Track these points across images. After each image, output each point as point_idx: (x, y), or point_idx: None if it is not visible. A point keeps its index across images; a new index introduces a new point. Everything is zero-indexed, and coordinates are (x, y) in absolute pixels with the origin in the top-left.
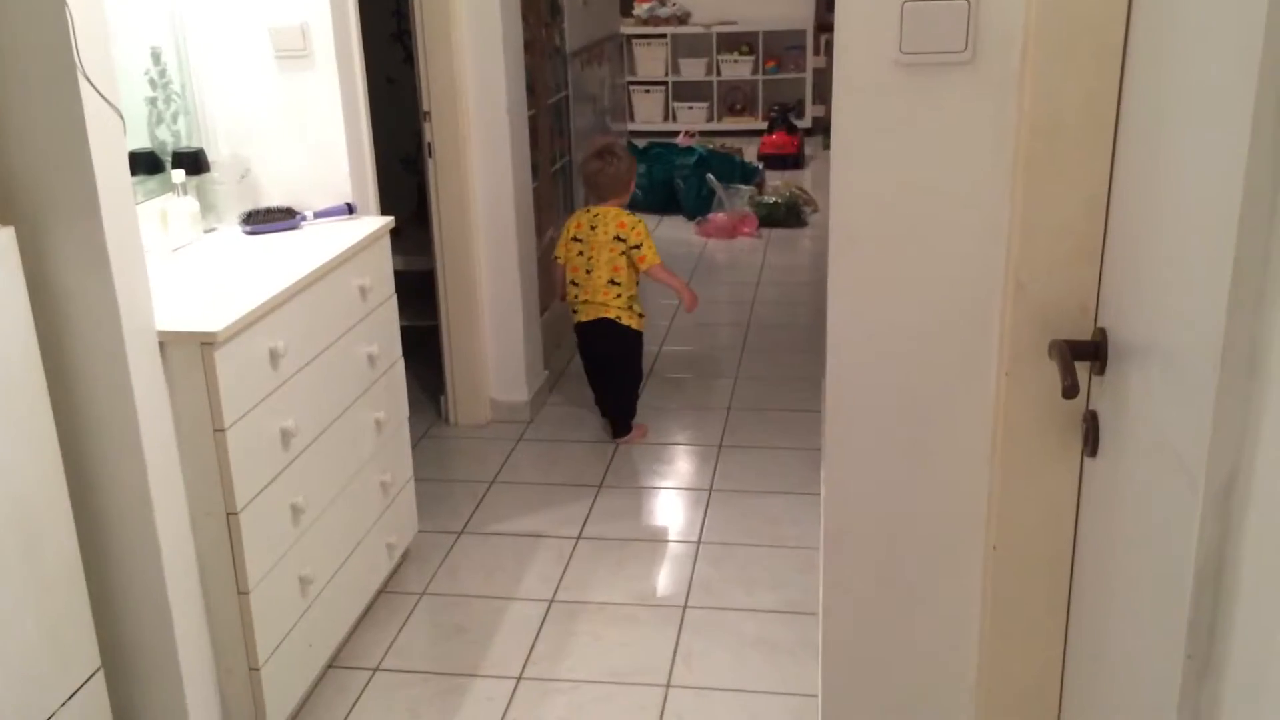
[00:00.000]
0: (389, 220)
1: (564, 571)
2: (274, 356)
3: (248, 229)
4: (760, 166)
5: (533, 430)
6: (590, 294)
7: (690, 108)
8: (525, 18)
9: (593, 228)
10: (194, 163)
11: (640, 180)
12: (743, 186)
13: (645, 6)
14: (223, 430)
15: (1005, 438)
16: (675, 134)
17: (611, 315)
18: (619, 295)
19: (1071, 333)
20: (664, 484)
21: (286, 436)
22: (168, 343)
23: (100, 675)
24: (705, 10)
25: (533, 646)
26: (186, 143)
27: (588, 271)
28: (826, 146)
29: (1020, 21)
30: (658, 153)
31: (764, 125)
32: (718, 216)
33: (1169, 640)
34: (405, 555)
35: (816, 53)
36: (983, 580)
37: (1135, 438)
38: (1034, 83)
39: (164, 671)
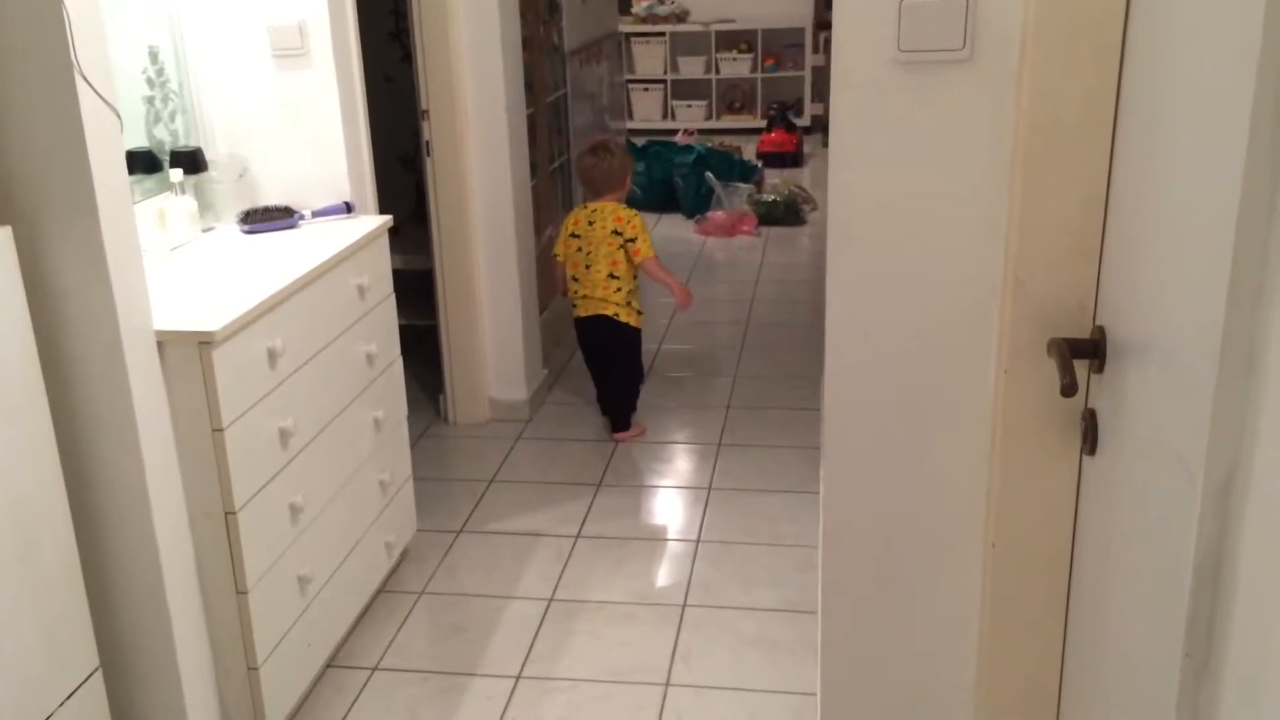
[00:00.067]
0: (387, 219)
1: (563, 570)
2: (272, 356)
3: (246, 228)
4: (759, 165)
5: (532, 429)
6: (589, 289)
7: (689, 106)
8: (523, 16)
9: (590, 223)
10: (192, 162)
11: (639, 178)
12: (741, 185)
13: (644, 4)
14: (221, 430)
15: (1004, 436)
16: (674, 132)
17: (609, 312)
18: (618, 290)
19: (1070, 331)
20: (663, 482)
21: (285, 436)
22: (166, 342)
23: (99, 675)
24: (704, 8)
25: (532, 645)
26: (184, 142)
27: (587, 267)
28: (825, 145)
29: (1018, 19)
30: (656, 151)
31: (763, 123)
32: (717, 215)
33: (1168, 638)
34: (404, 554)
35: (815, 51)
36: (982, 578)
37: (1134, 435)
38: (1032, 81)
39: (162, 671)
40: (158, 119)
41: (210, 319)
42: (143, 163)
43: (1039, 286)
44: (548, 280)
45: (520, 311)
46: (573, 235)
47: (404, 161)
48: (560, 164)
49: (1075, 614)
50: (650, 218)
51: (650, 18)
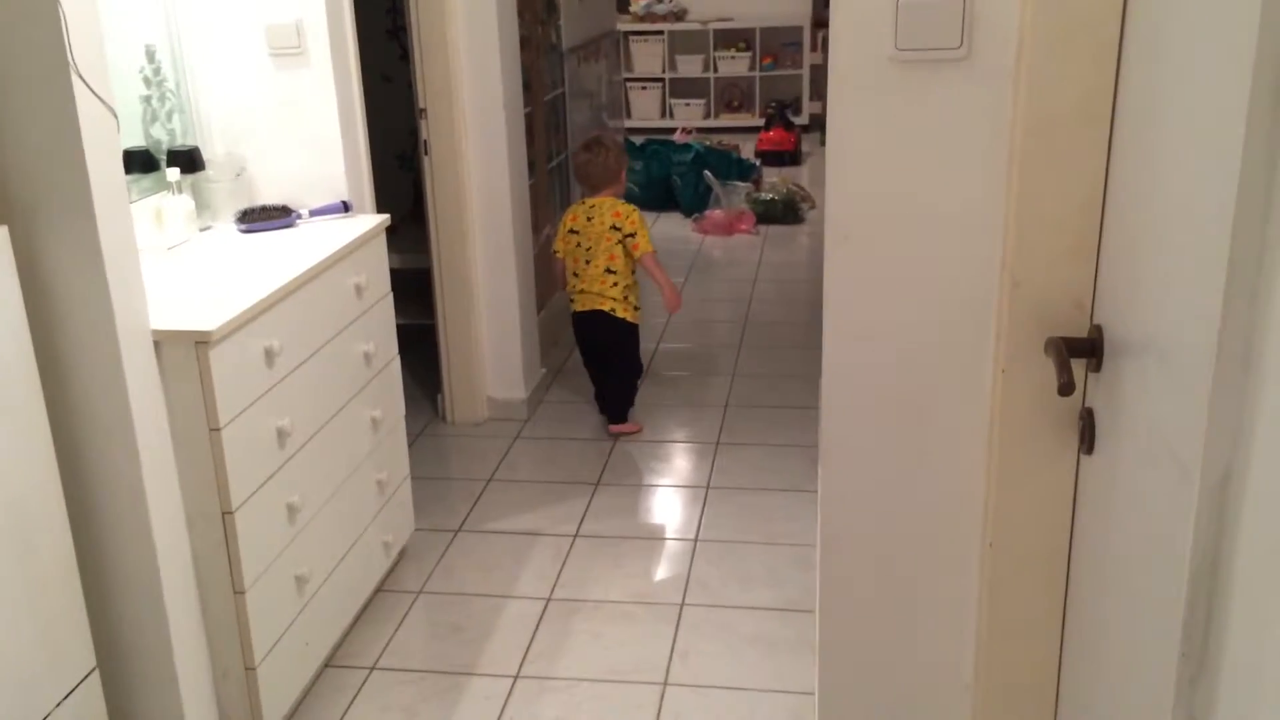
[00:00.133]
0: (384, 218)
1: (561, 569)
2: (269, 355)
3: (243, 227)
4: (757, 163)
5: (530, 428)
6: (588, 284)
7: (687, 104)
8: (521, 14)
9: (589, 219)
10: (189, 161)
11: (637, 177)
12: (740, 183)
13: (642, 3)
14: (218, 429)
15: (1001, 435)
16: (672, 131)
17: (606, 307)
18: (615, 284)
19: (1067, 330)
20: (661, 481)
21: (282, 435)
22: (162, 341)
23: (95, 676)
24: (702, 7)
25: (530, 645)
26: (181, 141)
27: (586, 262)
28: (824, 143)
29: (1016, 18)
30: (655, 150)
31: (761, 122)
32: (715, 213)
33: (1165, 638)
34: (402, 554)
35: (814, 49)
36: (979, 578)
37: (1131, 434)
38: (1029, 79)
39: (159, 671)
40: (155, 118)
41: (207, 318)
42: (140, 162)
43: (1036, 285)
44: (546, 279)
45: (518, 310)
46: (571, 231)
47: (402, 160)
48: (558, 163)
49: (1073, 613)
50: (649, 216)
51: (648, 16)
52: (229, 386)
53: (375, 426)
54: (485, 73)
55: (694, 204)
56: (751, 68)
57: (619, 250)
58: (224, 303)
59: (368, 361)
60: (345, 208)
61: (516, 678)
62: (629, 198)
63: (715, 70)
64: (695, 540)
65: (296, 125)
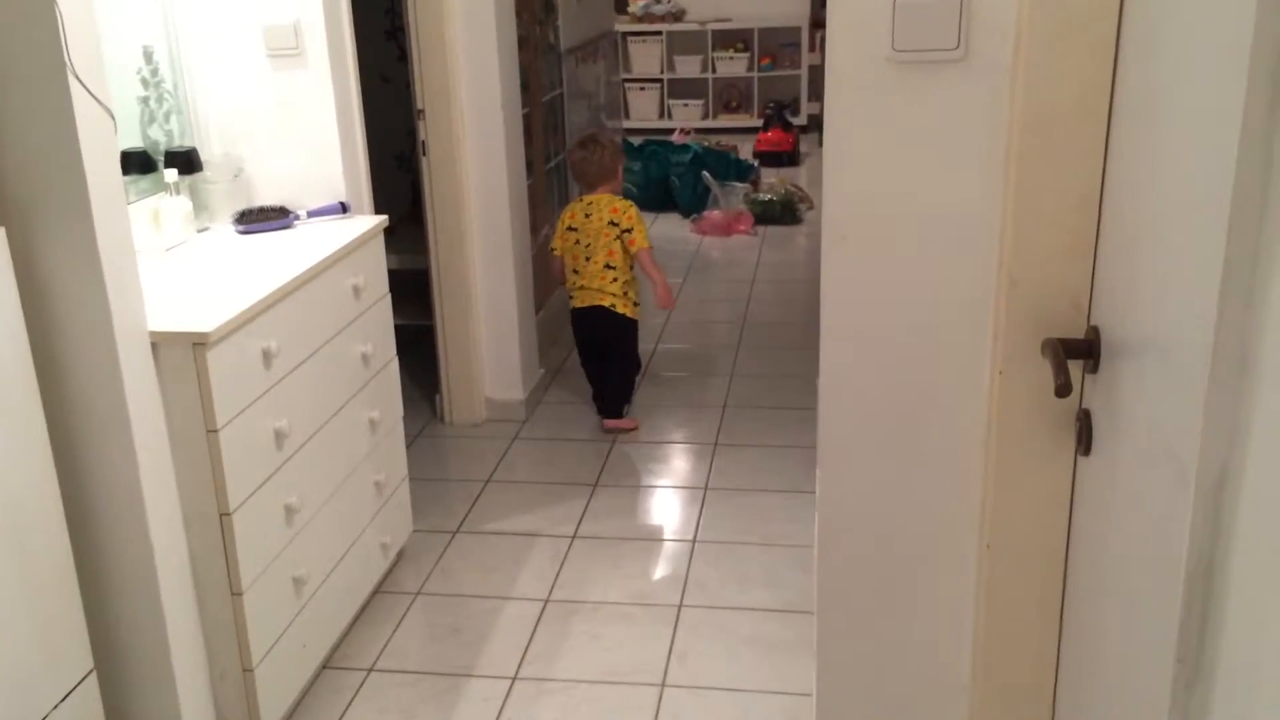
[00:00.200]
0: (382, 219)
1: (559, 571)
2: (267, 356)
3: (241, 228)
4: (756, 164)
5: (528, 429)
6: (587, 280)
7: (686, 105)
8: (519, 15)
9: (587, 216)
10: (187, 162)
11: (636, 177)
12: (738, 184)
13: (640, 4)
14: (215, 431)
15: (999, 436)
16: (671, 131)
17: (606, 303)
18: (614, 280)
19: (1064, 330)
20: (659, 482)
21: (280, 437)
22: (160, 343)
23: (93, 678)
24: (700, 7)
25: (528, 646)
26: (179, 142)
27: (586, 259)
28: (822, 144)
29: (1012, 17)
30: (653, 150)
31: (759, 122)
32: (713, 214)
33: (1161, 640)
34: (400, 555)
35: (812, 49)
36: (977, 579)
37: (1128, 436)
38: (1026, 79)
39: (157, 673)
40: (152, 119)
41: (205, 320)
42: (137, 163)
43: (1033, 285)
44: (544, 279)
45: (516, 311)
46: (570, 229)
47: (400, 161)
48: (556, 163)
49: (1070, 615)
50: (647, 217)
51: (647, 17)
52: (226, 388)
53: (373, 427)
54: (483, 73)
55: (692, 205)
56: (750, 68)
57: (617, 246)
58: (222, 304)
59: (366, 362)
60: (343, 209)
61: (514, 679)
62: (627, 198)
63: (713, 71)
64: (693, 541)
65: (294, 126)
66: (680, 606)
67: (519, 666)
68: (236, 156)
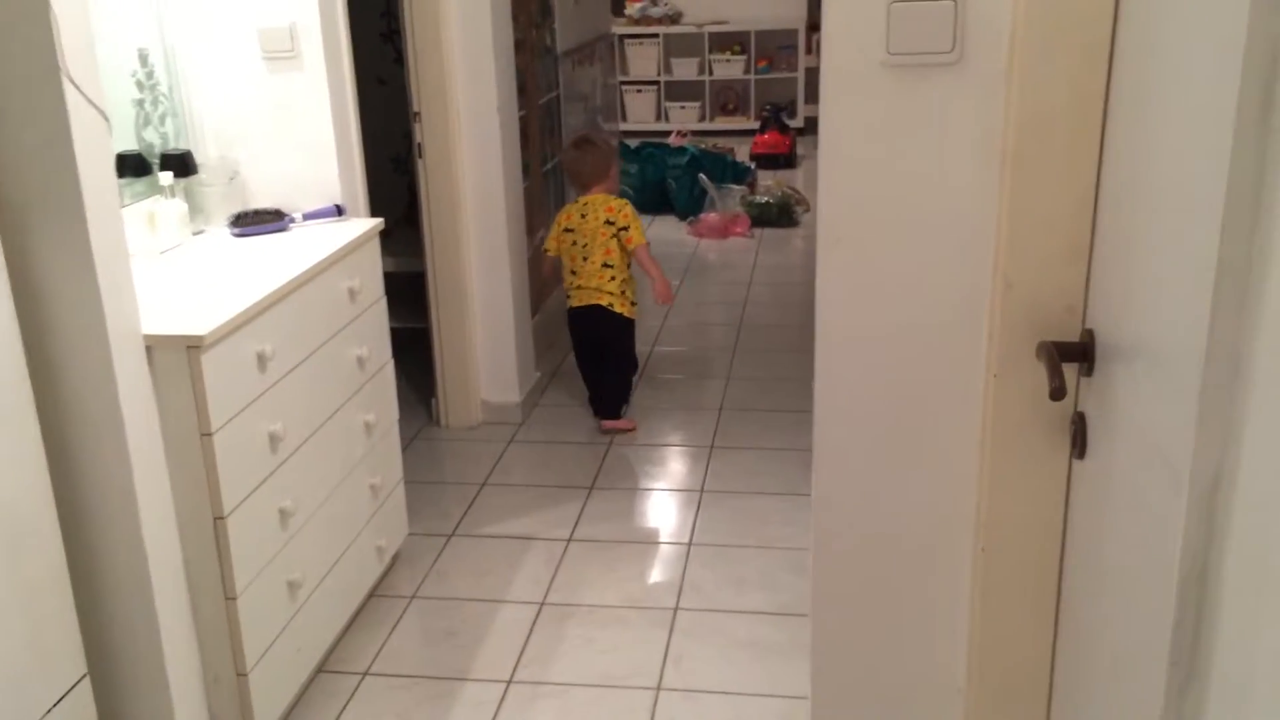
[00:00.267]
0: (378, 222)
1: (555, 574)
2: (261, 359)
3: (236, 231)
4: (752, 166)
5: (524, 432)
6: (585, 279)
7: (682, 107)
8: (516, 18)
9: (583, 216)
10: (182, 165)
11: (632, 180)
12: (735, 186)
13: (637, 6)
14: (210, 434)
15: (993, 439)
16: (667, 134)
17: (604, 302)
18: (612, 278)
19: (1059, 334)
20: (655, 485)
21: (274, 440)
22: (154, 346)
23: (86, 682)
24: (697, 10)
25: (523, 650)
26: (174, 144)
27: (584, 259)
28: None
29: (1007, 21)
30: (650, 153)
31: (756, 125)
32: (710, 216)
33: (1156, 643)
34: (395, 558)
35: (808, 52)
36: (971, 582)
37: (1122, 439)
38: (1021, 82)
39: (151, 678)
40: (147, 122)
41: (199, 323)
42: (132, 166)
43: (1028, 289)
44: (540, 282)
45: (512, 314)
46: (567, 230)
47: (396, 164)
48: (553, 166)
49: (1065, 618)
50: (644, 219)
51: (643, 19)
52: (221, 391)
53: (369, 431)
54: (480, 76)
55: (689, 207)
56: (746, 71)
57: (614, 245)
58: (216, 307)
59: (361, 365)
60: (339, 211)
61: (510, 683)
62: (622, 198)
63: (710, 73)
64: (689, 544)
65: (290, 129)
66: (676, 610)
67: (514, 670)
68: (232, 159)
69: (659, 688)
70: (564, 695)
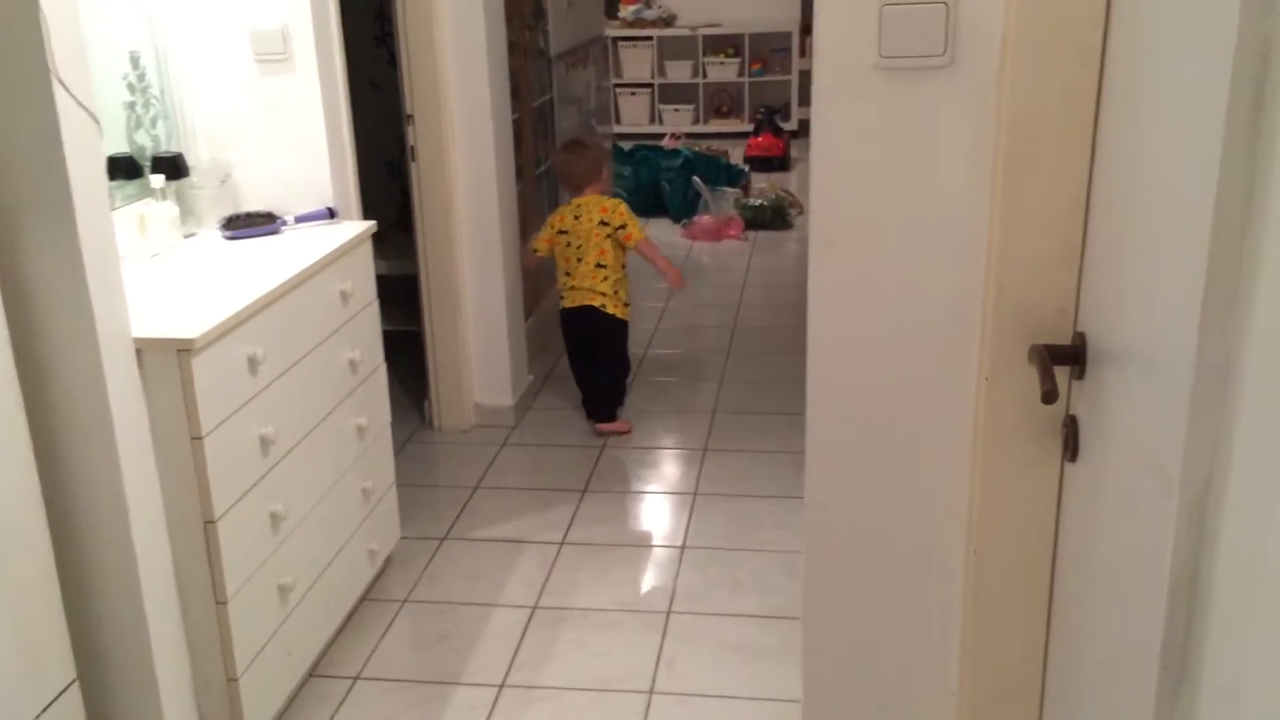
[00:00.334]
0: (370, 225)
1: (548, 577)
2: (253, 363)
3: (228, 234)
4: (746, 169)
5: (517, 435)
6: (578, 279)
7: (676, 110)
8: (509, 20)
9: (576, 218)
10: (173, 167)
11: (626, 183)
12: (728, 189)
13: (631, 9)
14: (200, 438)
15: (985, 442)
16: (661, 136)
17: (596, 303)
18: (606, 279)
19: (1051, 337)
20: (649, 488)
21: (265, 443)
22: (144, 349)
23: (75, 687)
24: (691, 12)
25: (515, 654)
26: (166, 147)
27: (578, 260)
28: None
29: (999, 24)
30: (643, 155)
31: (750, 127)
32: (703, 219)
33: (1147, 648)
34: (387, 562)
35: (802, 55)
36: (964, 585)
37: (1114, 443)
38: (1013, 85)
39: (140, 682)
40: (139, 124)
41: (190, 326)
42: (123, 168)
43: (1020, 292)
44: (534, 285)
45: (505, 317)
46: (560, 232)
47: (390, 167)
48: (546, 168)
49: (1057, 621)
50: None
51: (637, 22)
52: (211, 394)
53: (361, 434)
54: (473, 78)
55: (683, 210)
56: (740, 73)
57: (608, 245)
58: (207, 310)
59: (353, 369)
60: (331, 214)
61: (502, 687)
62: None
63: (704, 76)
64: (682, 547)
65: (282, 131)
66: (669, 613)
67: (507, 674)
68: (224, 162)
69: (652, 691)
70: (556, 699)
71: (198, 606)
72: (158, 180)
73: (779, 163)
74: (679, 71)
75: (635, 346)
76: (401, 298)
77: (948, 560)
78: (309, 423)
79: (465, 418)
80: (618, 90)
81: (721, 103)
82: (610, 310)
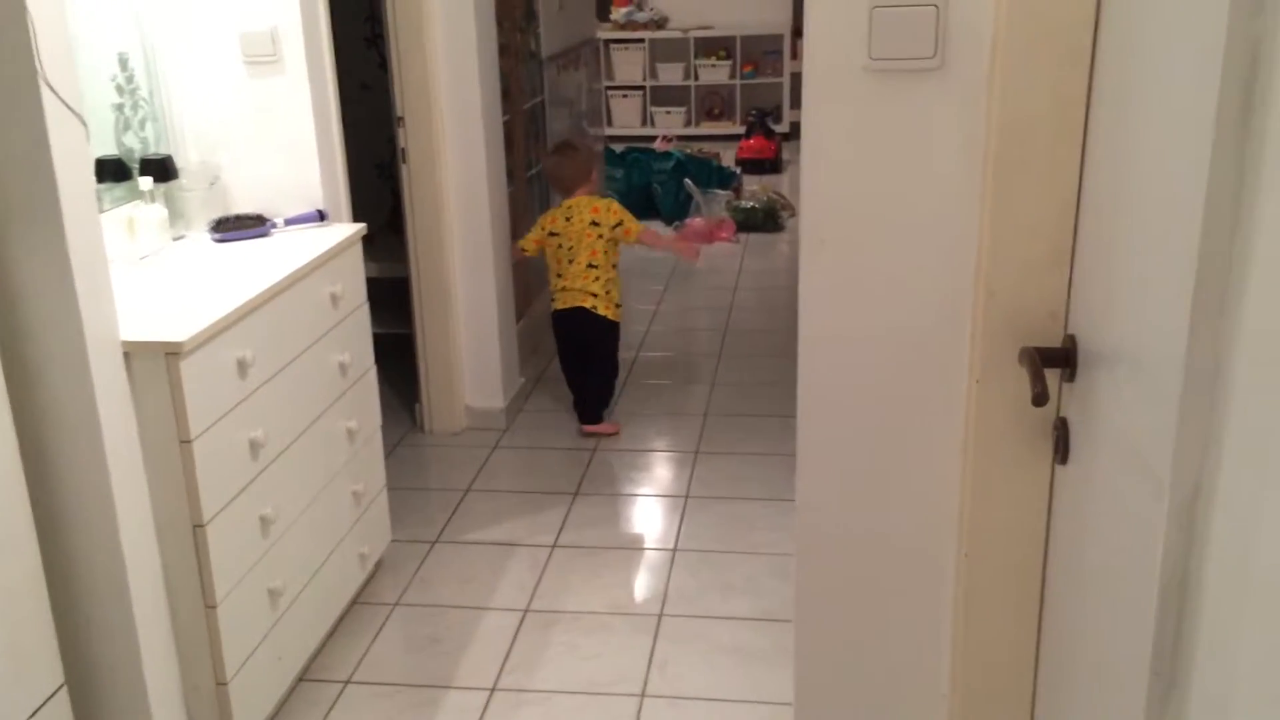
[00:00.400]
0: (361, 227)
1: (539, 580)
2: (242, 366)
3: (217, 237)
4: (738, 171)
5: (508, 437)
6: (570, 280)
7: (668, 112)
8: (500, 22)
9: (567, 219)
10: (162, 169)
11: (618, 185)
12: (720, 191)
13: (622, 11)
14: (189, 441)
15: (976, 444)
16: (653, 139)
17: (587, 304)
18: (597, 279)
19: (1042, 339)
20: (640, 490)
21: (255, 447)
22: (132, 353)
23: (64, 692)
24: (683, 15)
25: (507, 657)
26: (154, 149)
27: (570, 261)
28: None
29: (989, 26)
30: (635, 158)
31: (742, 130)
32: (695, 221)
33: (1138, 651)
34: (378, 565)
35: (794, 57)
36: (955, 587)
37: (1104, 445)
38: (1003, 88)
39: (129, 687)
40: (127, 126)
41: (178, 329)
42: (112, 171)
43: (1011, 294)
44: (525, 287)
45: (497, 319)
46: (551, 234)
47: (380, 169)
48: (538, 171)
49: (1048, 624)
50: None
51: (629, 24)
52: (200, 398)
53: (351, 437)
54: (464, 80)
55: (675, 212)
56: (732, 76)
57: (600, 245)
58: (196, 313)
59: (343, 372)
60: (321, 217)
61: (493, 690)
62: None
63: (696, 78)
64: (674, 550)
65: (272, 134)
66: (660, 616)
67: (498, 677)
68: (213, 164)
69: (643, 694)
70: (548, 702)
71: (187, 610)
72: (146, 182)
73: (770, 165)
74: (671, 74)
75: (627, 349)
76: (392, 300)
77: (939, 562)
78: (299, 426)
79: (456, 420)
80: (609, 92)
81: (713, 105)
82: (601, 312)
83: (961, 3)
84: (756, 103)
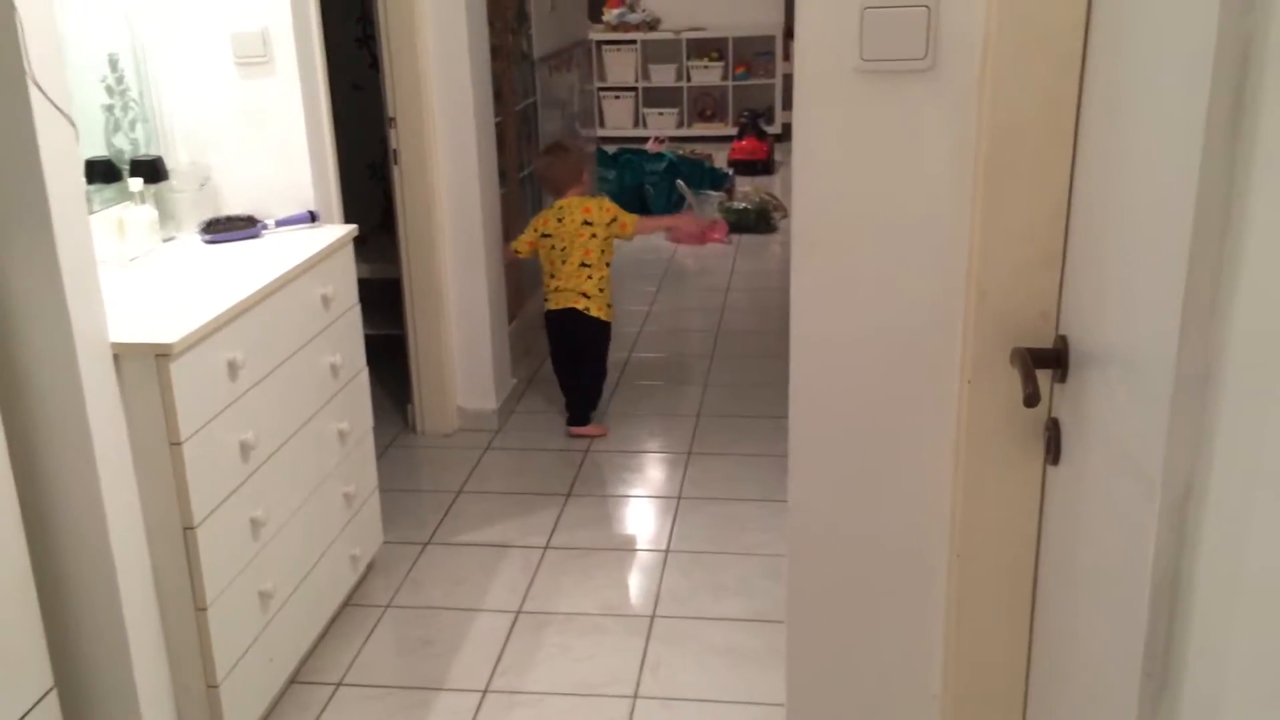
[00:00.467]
0: (352, 228)
1: (531, 582)
2: (232, 368)
3: (207, 238)
4: (730, 172)
5: (501, 439)
6: (563, 280)
7: (660, 113)
8: (491, 23)
9: (560, 220)
10: (152, 171)
11: (610, 186)
12: (712, 192)
13: (615, 12)
14: (179, 443)
15: (968, 445)
16: (645, 140)
17: (580, 305)
18: (590, 278)
19: (1033, 340)
20: (633, 492)
21: (245, 449)
22: (122, 354)
23: (53, 695)
24: (675, 16)
25: (499, 659)
26: (144, 150)
27: (563, 262)
28: None
29: (980, 28)
30: (628, 159)
31: (734, 131)
32: (688, 221)
33: (1129, 652)
34: (370, 567)
35: (786, 58)
36: (947, 589)
37: (1096, 446)
38: (994, 89)
39: (119, 690)
40: (117, 127)
41: (168, 331)
42: (102, 172)
43: (1002, 295)
44: (517, 289)
45: (489, 320)
46: (544, 236)
47: (372, 170)
48: (530, 172)
49: (1040, 624)
50: None
51: (621, 25)
52: (190, 400)
53: (342, 439)
54: (455, 81)
55: (667, 213)
56: (724, 77)
57: (593, 245)
58: (186, 315)
59: (335, 373)
60: (312, 218)
61: (485, 692)
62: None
63: (688, 79)
64: (666, 551)
65: (262, 134)
66: (653, 617)
67: (490, 679)
68: (203, 165)
69: (636, 696)
70: (540, 704)
71: (177, 613)
72: (136, 184)
73: (763, 166)
74: (663, 75)
75: (619, 350)
76: (384, 301)
77: (931, 563)
78: (290, 428)
79: (448, 422)
80: (601, 94)
81: (705, 106)
82: (594, 313)
83: (953, 4)
84: (749, 104)
